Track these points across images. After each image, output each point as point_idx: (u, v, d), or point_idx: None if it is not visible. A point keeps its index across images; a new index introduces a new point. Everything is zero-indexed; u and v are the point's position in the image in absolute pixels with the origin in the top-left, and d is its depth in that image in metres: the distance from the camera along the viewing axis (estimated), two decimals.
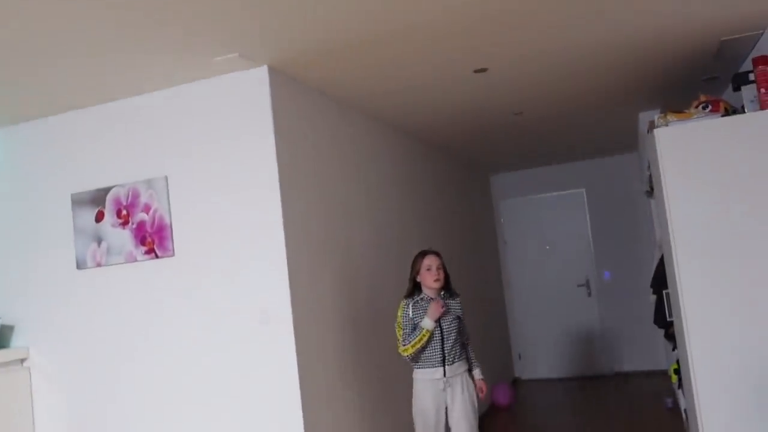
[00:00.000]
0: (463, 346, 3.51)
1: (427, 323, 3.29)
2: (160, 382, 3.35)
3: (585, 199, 7.81)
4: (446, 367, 3.34)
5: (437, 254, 3.47)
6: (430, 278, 3.37)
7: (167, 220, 3.34)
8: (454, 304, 3.45)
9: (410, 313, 3.36)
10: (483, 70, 3.74)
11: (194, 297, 3.30)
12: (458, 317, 3.44)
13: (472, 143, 6.00)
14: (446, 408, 3.35)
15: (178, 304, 3.33)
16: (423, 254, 3.47)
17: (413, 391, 3.39)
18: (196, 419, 3.27)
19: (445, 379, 3.33)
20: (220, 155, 3.28)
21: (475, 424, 3.40)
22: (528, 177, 8.03)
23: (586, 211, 7.80)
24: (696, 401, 3.32)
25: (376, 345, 4.03)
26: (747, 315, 3.23)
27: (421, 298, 3.39)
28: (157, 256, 3.35)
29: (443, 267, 3.45)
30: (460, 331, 3.46)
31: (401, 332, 3.36)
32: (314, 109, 3.65)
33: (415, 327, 3.32)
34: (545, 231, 7.91)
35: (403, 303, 3.42)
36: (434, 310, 3.29)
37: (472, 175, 7.44)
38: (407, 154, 5.20)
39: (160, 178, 3.37)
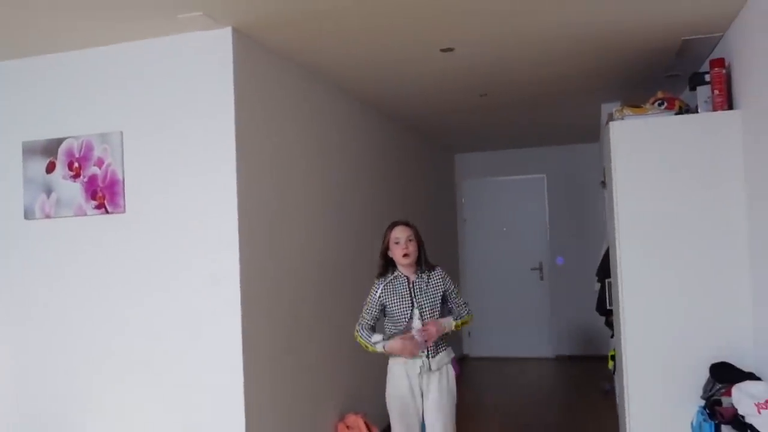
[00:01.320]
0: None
1: (380, 348, 3.09)
2: (105, 337, 3.34)
3: (545, 185, 7.94)
4: (429, 359, 3.09)
5: (408, 225, 3.20)
6: (398, 253, 3.12)
7: (120, 176, 3.30)
8: (434, 281, 3.18)
9: (377, 294, 3.15)
10: (450, 49, 3.76)
11: (143, 255, 3.28)
12: (442, 296, 3.18)
13: (437, 122, 6.03)
14: (422, 394, 3.13)
15: (126, 261, 3.31)
16: (391, 226, 3.21)
17: (388, 375, 3.19)
18: (139, 375, 3.28)
19: (422, 366, 3.09)
20: (178, 114, 3.24)
21: (451, 417, 3.15)
22: (491, 159, 8.11)
23: (545, 197, 7.94)
24: (626, 385, 3.46)
25: (326, 315, 4.08)
26: (680, 309, 3.37)
27: (395, 277, 3.17)
28: (107, 212, 3.32)
29: (417, 239, 3.18)
30: (448, 311, 3.21)
31: (364, 312, 3.19)
32: (278, 76, 3.63)
33: (382, 311, 3.15)
34: (504, 213, 8.04)
35: (375, 283, 3.20)
36: (400, 346, 3.02)
37: (437, 152, 7.49)
38: (372, 127, 5.21)
39: (116, 132, 3.32)
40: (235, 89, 3.15)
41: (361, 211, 4.84)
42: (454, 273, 7.90)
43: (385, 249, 3.20)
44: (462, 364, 7.55)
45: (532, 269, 7.92)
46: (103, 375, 3.34)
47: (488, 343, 7.98)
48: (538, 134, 7.08)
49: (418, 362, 3.09)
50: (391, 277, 3.19)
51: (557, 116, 6.06)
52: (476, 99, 5.12)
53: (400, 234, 3.15)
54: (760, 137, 2.96)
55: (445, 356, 3.16)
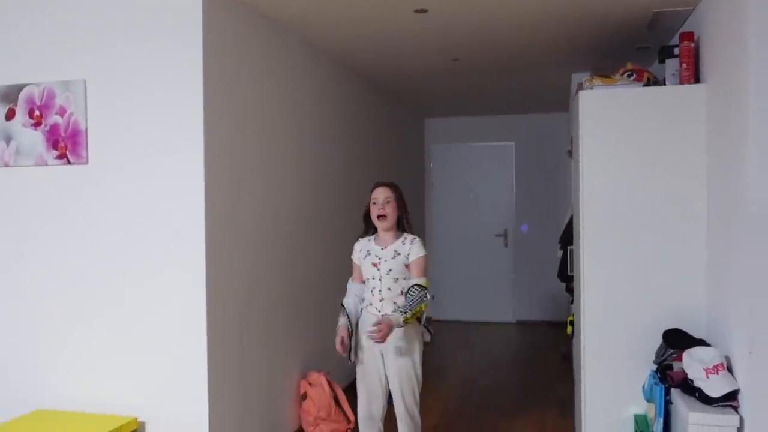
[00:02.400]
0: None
1: (342, 322, 3.09)
2: (66, 289, 3.30)
3: (513, 153, 8.00)
4: (381, 316, 3.01)
5: (388, 186, 3.14)
6: (374, 213, 3.09)
7: (82, 126, 3.22)
8: (405, 250, 3.10)
9: (354, 253, 3.19)
10: (423, 10, 3.72)
11: (106, 208, 3.23)
12: (406, 264, 3.08)
13: (409, 84, 6.00)
14: (383, 357, 3.11)
15: (89, 214, 3.26)
16: (373, 186, 3.15)
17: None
18: (101, 330, 3.25)
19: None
20: (144, 65, 3.16)
21: (410, 381, 3.09)
22: (461, 124, 8.12)
23: (513, 165, 8.00)
24: (582, 349, 3.56)
25: (291, 275, 4.08)
26: (638, 277, 3.46)
27: (371, 240, 3.16)
28: (69, 162, 3.25)
29: (397, 202, 3.11)
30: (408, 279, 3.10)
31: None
32: (247, 30, 3.55)
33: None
34: (471, 179, 8.09)
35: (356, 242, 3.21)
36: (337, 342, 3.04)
37: (408, 116, 7.46)
38: (343, 87, 5.16)
39: (78, 81, 3.23)
40: (203, 41, 3.08)
41: (330, 171, 4.82)
42: (420, 237, 7.94)
43: (367, 210, 3.17)
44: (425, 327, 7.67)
45: (496, 236, 8.02)
46: (66, 327, 3.30)
47: (451, 307, 8.10)
48: (509, 102, 7.09)
49: (373, 322, 3.00)
50: (369, 239, 3.18)
51: (528, 84, 6.08)
52: (449, 63, 5.10)
53: (378, 195, 3.12)
54: (722, 112, 3.02)
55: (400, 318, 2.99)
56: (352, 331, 3.15)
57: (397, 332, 3.03)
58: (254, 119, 3.62)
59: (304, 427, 4.18)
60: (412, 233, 3.20)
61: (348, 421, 4.13)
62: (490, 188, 8.05)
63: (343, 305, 3.22)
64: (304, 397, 4.18)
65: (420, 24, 3.98)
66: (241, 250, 3.46)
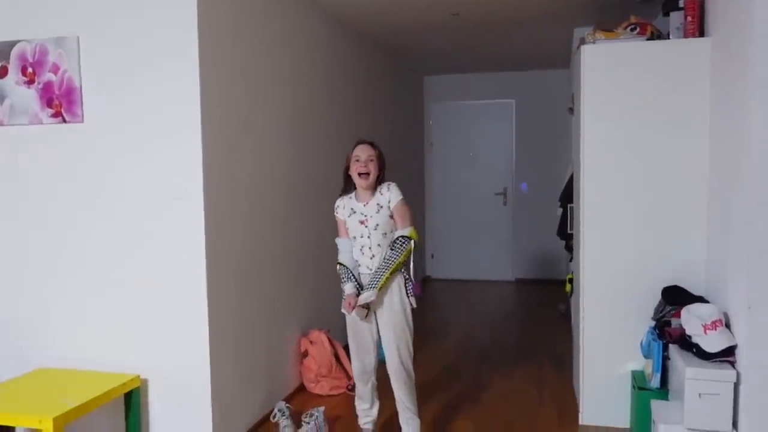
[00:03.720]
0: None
1: (349, 289, 3.09)
2: (63, 250, 3.29)
3: (513, 110, 7.92)
4: (372, 274, 3.08)
5: (370, 144, 3.15)
6: (356, 171, 3.09)
7: (77, 83, 3.17)
8: (385, 200, 3.10)
9: (336, 212, 3.19)
10: None
11: (103, 167, 3.20)
12: (391, 216, 3.10)
13: (408, 41, 5.89)
14: (375, 313, 3.15)
15: (85, 173, 3.23)
16: (355, 144, 3.17)
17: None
18: (101, 290, 3.26)
19: (369, 284, 3.05)
20: (138, 20, 3.09)
21: (404, 334, 3.11)
22: (461, 82, 8.02)
23: (513, 123, 7.93)
24: (581, 307, 3.58)
25: (291, 233, 4.08)
26: (638, 234, 3.45)
27: (353, 197, 3.16)
28: (65, 121, 3.20)
29: (379, 161, 3.12)
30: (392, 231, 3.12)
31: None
32: None
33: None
34: (471, 137, 8.03)
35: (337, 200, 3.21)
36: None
37: (407, 74, 7.37)
38: (341, 45, 5.07)
39: (72, 37, 3.16)
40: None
41: (328, 130, 4.77)
42: (419, 196, 7.95)
43: (347, 167, 3.16)
44: (424, 285, 7.72)
45: (496, 194, 8.01)
46: (66, 286, 3.31)
47: (451, 265, 8.14)
48: (509, 59, 6.99)
49: (365, 280, 3.09)
50: (349, 197, 3.17)
51: (529, 40, 5.98)
52: (448, 18, 5.00)
53: (361, 152, 3.10)
54: (726, 67, 2.97)
55: (393, 274, 3.06)
56: (359, 293, 3.14)
57: (388, 287, 3.07)
58: (250, 76, 3.56)
59: (306, 384, 4.23)
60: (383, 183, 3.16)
61: (348, 377, 4.18)
62: (489, 147, 7.99)
63: (343, 265, 3.20)
64: (305, 354, 4.22)
65: None
66: (240, 209, 3.45)
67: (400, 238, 3.09)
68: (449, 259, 8.14)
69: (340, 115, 5.04)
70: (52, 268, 3.32)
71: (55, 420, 2.63)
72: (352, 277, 3.16)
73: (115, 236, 3.22)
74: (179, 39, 3.04)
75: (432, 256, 8.24)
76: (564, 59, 6.77)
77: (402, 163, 7.02)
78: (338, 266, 3.23)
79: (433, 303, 6.92)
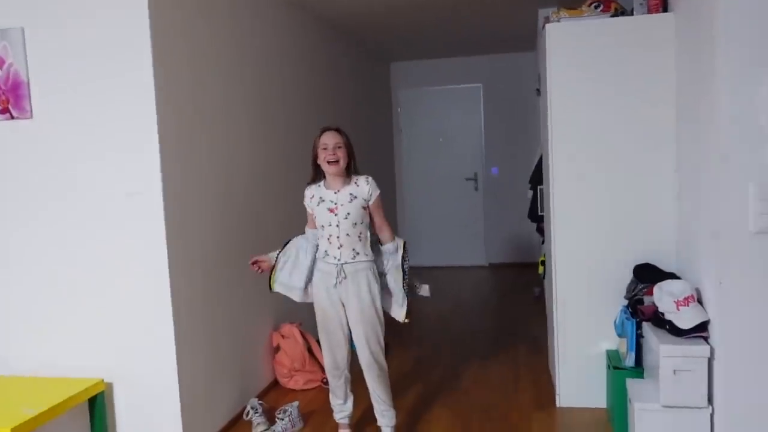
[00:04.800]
0: (374, 240, 3.12)
1: (271, 255, 3.14)
2: (17, 252, 3.15)
3: (481, 95, 7.88)
4: (341, 264, 3.02)
5: (337, 131, 3.04)
6: (325, 159, 2.98)
7: (23, 77, 3.02)
8: (361, 191, 3.03)
9: (305, 201, 3.11)
10: None
11: (55, 164, 3.07)
12: (364, 207, 3.04)
13: (372, 26, 5.80)
14: (344, 306, 3.07)
15: (37, 171, 3.09)
16: (320, 132, 3.06)
17: (312, 281, 3.14)
18: (56, 292, 3.14)
19: (336, 276, 3.02)
20: (88, 10, 2.95)
21: (373, 327, 3.05)
22: (427, 68, 7.95)
23: (481, 107, 7.89)
24: (554, 288, 3.55)
25: (257, 224, 3.98)
26: (608, 213, 3.43)
27: (323, 186, 3.06)
28: (12, 117, 3.06)
29: (347, 147, 3.03)
30: (369, 222, 3.09)
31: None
32: None
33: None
34: (440, 123, 7.98)
35: (305, 190, 3.12)
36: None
37: (372, 61, 7.27)
38: (305, 31, 4.95)
39: (15, 29, 3.01)
40: None
41: (293, 120, 4.67)
42: (389, 184, 7.88)
43: (315, 156, 3.06)
44: None
45: (467, 179, 7.97)
46: (19, 290, 3.18)
47: (423, 252, 8.08)
48: (475, 42, 6.93)
49: (333, 272, 3.02)
50: (318, 186, 3.08)
51: (494, 23, 5.92)
52: (409, 1, 4.91)
53: (328, 140, 3.01)
54: (690, 41, 2.94)
55: (360, 264, 3.04)
56: (278, 265, 3.17)
57: (357, 279, 3.02)
58: (207, 67, 3.44)
59: (279, 379, 4.15)
60: (357, 174, 3.11)
61: (323, 370, 4.10)
62: (459, 132, 7.95)
63: (290, 240, 3.19)
64: (278, 349, 4.14)
65: None
66: (202, 202, 3.34)
67: (406, 262, 3.15)
68: (422, 247, 8.09)
69: (305, 104, 4.93)
70: (3, 269, 3.18)
71: (14, 431, 2.52)
72: (285, 252, 3.16)
73: (71, 235, 3.09)
74: (131, 29, 2.91)
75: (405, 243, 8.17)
76: (530, 42, 6.73)
77: (371, 152, 6.93)
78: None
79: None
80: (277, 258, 3.17)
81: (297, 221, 3.26)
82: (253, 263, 3.15)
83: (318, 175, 3.10)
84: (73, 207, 3.08)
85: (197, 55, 3.33)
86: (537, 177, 4.86)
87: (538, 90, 5.12)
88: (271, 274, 3.18)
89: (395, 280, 3.12)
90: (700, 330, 2.79)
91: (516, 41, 6.88)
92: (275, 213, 4.25)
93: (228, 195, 3.62)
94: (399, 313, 3.13)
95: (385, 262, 3.14)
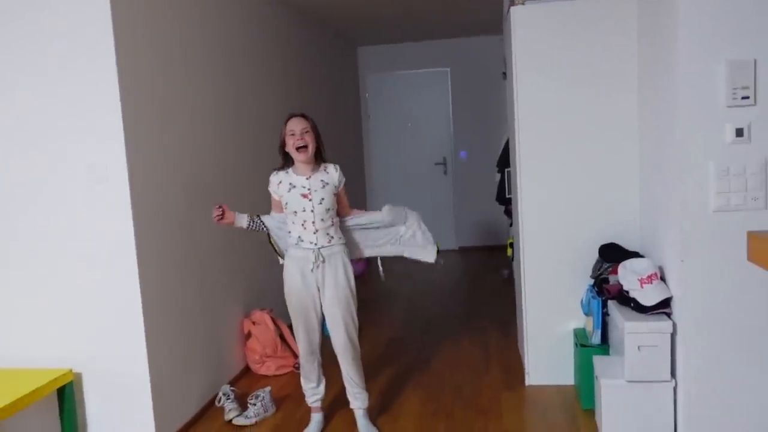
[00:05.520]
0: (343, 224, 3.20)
1: (240, 221, 3.11)
2: None
3: (449, 79, 7.89)
4: (318, 248, 3.02)
5: (304, 116, 3.04)
6: (293, 145, 2.98)
7: None
8: (331, 177, 3.07)
9: (272, 187, 3.08)
10: None
11: (14, 154, 3.00)
12: (335, 193, 3.08)
13: (338, 10, 5.76)
14: (319, 289, 3.07)
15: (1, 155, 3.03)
16: (286, 119, 3.05)
17: (284, 271, 3.12)
18: (22, 282, 3.08)
19: (314, 260, 3.02)
20: None
21: (349, 309, 3.09)
22: (395, 52, 7.94)
23: (449, 91, 7.91)
24: (522, 269, 3.60)
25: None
26: (574, 194, 3.48)
27: (292, 172, 3.04)
28: None
29: (314, 132, 3.04)
30: (340, 208, 3.16)
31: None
32: None
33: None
34: (408, 108, 7.98)
35: (271, 175, 3.10)
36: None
37: (339, 45, 7.22)
38: (269, 16, 4.90)
39: None
40: None
41: (258, 106, 4.62)
42: (358, 170, 7.87)
43: (282, 143, 3.05)
44: (368, 259, 7.68)
45: (436, 164, 8.00)
46: None
47: None
48: (442, 26, 6.93)
49: (310, 256, 3.03)
50: (286, 172, 3.07)
51: (460, 5, 5.93)
52: None
53: (295, 126, 3.00)
54: (652, 24, 2.99)
55: (335, 248, 3.07)
56: (254, 227, 3.16)
57: (333, 262, 3.05)
58: (174, 54, 3.39)
59: (251, 365, 4.15)
60: (327, 162, 3.15)
61: (295, 356, 4.12)
62: (427, 116, 7.96)
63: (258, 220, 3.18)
64: (249, 336, 4.13)
65: None
66: (170, 189, 3.30)
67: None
68: None
69: (272, 90, 4.89)
70: None
71: None
72: (258, 220, 3.15)
73: (36, 225, 3.04)
74: (92, 15, 2.85)
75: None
76: (496, 25, 6.76)
77: (340, 137, 6.91)
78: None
79: (378, 276, 6.88)
80: (268, 236, 3.20)
81: (266, 209, 3.25)
82: (219, 210, 3.04)
83: (287, 162, 3.09)
84: (38, 197, 3.02)
85: (162, 42, 3.27)
86: (504, 160, 4.91)
87: (504, 74, 5.16)
88: (275, 248, 3.21)
89: (413, 234, 3.34)
90: (664, 306, 2.86)
91: (483, 25, 6.90)
92: (244, 201, 4.22)
93: (197, 182, 3.59)
94: (430, 253, 3.39)
95: (380, 223, 3.29)
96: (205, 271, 3.67)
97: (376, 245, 3.31)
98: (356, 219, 3.26)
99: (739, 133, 2.56)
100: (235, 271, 4.09)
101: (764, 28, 2.53)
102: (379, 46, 7.96)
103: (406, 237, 3.29)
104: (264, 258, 4.37)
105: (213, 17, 3.91)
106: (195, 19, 3.66)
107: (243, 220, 3.12)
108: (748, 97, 2.55)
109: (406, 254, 3.33)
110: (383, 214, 3.26)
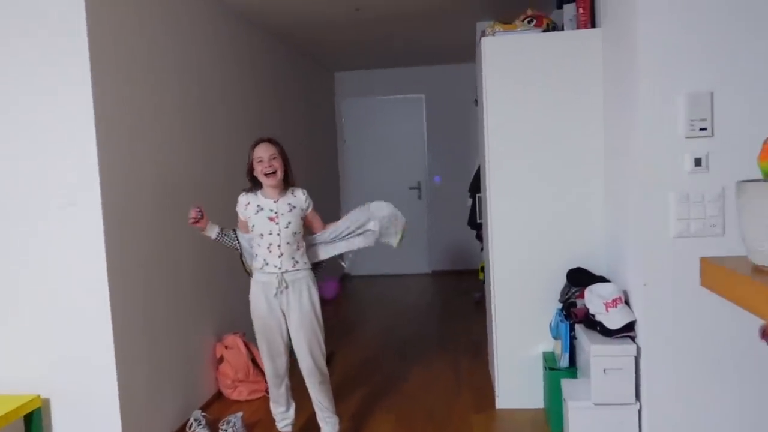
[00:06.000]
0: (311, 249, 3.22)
1: (211, 231, 3.14)
2: None
3: (424, 105, 8.01)
4: (282, 273, 3.05)
5: (271, 142, 3.09)
6: (262, 171, 3.03)
7: None
8: (299, 202, 3.12)
9: (239, 208, 3.12)
10: None
11: None
12: (302, 217, 3.12)
13: (314, 37, 5.85)
14: (284, 313, 3.10)
15: None
16: (254, 144, 3.09)
17: (250, 293, 3.17)
18: None
19: (278, 285, 3.05)
20: (20, 17, 2.90)
21: (315, 334, 3.10)
22: (371, 78, 8.05)
23: (424, 117, 8.02)
24: (493, 293, 3.66)
25: (197, 235, 3.95)
26: (543, 220, 3.56)
27: (260, 195, 3.09)
28: None
29: (282, 157, 3.08)
30: (314, 229, 3.21)
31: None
32: None
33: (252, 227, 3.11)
34: (384, 133, 8.07)
35: (239, 196, 3.14)
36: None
37: (316, 70, 7.31)
38: (247, 41, 4.95)
39: None
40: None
41: (236, 129, 4.66)
42: (334, 193, 7.92)
43: (250, 168, 3.09)
44: (342, 283, 7.70)
45: (410, 188, 8.08)
46: None
47: (368, 261, 8.13)
48: (418, 53, 7.06)
49: (274, 281, 3.05)
50: (255, 194, 3.11)
51: (435, 34, 6.06)
52: (351, 13, 4.99)
53: (263, 152, 3.04)
54: (615, 55, 3.10)
55: (300, 273, 3.10)
56: (235, 247, 3.19)
57: (297, 287, 3.07)
58: (148, 76, 3.42)
59: (223, 390, 4.13)
60: (294, 185, 3.20)
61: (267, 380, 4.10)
62: (402, 141, 8.06)
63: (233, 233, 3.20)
64: (221, 360, 4.11)
65: None
66: (142, 211, 3.31)
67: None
68: (367, 256, 8.10)
69: (248, 113, 4.93)
70: None
71: None
72: (234, 237, 3.17)
73: (4, 246, 3.02)
74: (67, 28, 2.88)
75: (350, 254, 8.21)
76: (470, 53, 6.89)
77: (316, 161, 6.96)
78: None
79: (352, 300, 6.91)
80: (240, 252, 3.22)
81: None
82: (198, 213, 3.06)
83: (255, 186, 3.13)
84: (7, 217, 3.01)
85: (139, 64, 3.30)
86: (476, 185, 4.99)
87: (476, 101, 5.27)
88: (244, 266, 3.24)
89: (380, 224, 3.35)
90: (628, 330, 2.93)
91: (457, 52, 7.04)
92: (220, 222, 4.22)
93: (168, 205, 3.60)
94: (394, 239, 3.45)
95: (347, 227, 3.27)
96: (178, 295, 3.67)
97: (345, 241, 3.30)
98: (334, 230, 3.25)
99: (698, 162, 2.66)
100: (207, 295, 4.09)
101: (720, 63, 2.64)
102: (356, 71, 8.07)
103: (375, 228, 3.31)
104: (237, 281, 4.37)
105: (190, 42, 3.95)
106: (171, 43, 3.70)
107: (213, 231, 3.16)
108: (705, 129, 2.65)
109: (373, 243, 3.37)
110: (355, 215, 3.28)
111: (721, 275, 1.55)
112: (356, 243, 3.30)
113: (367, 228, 3.29)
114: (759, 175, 1.52)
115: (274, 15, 4.92)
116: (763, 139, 1.53)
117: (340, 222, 3.27)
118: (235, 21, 4.77)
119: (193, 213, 3.05)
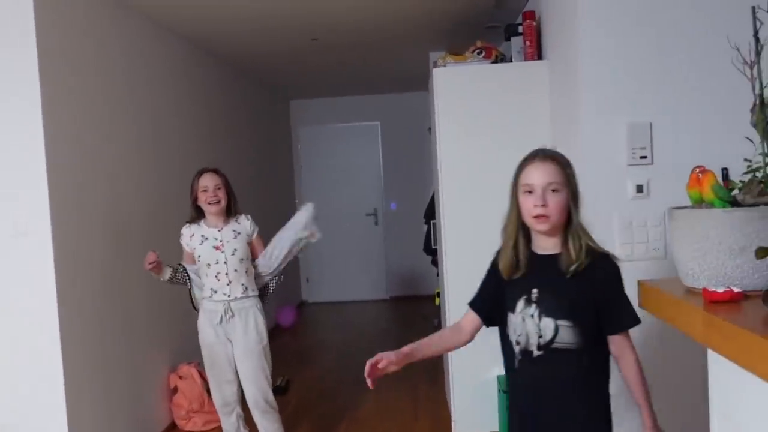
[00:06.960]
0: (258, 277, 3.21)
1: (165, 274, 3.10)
2: None
3: (379, 132, 8.12)
4: (228, 301, 3.06)
5: (215, 172, 3.12)
6: (206, 201, 3.05)
7: None
8: (243, 228, 3.15)
9: (184, 240, 3.15)
10: None
11: None
12: (248, 243, 3.15)
13: (270, 65, 5.90)
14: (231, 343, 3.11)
15: None
16: (199, 174, 3.12)
17: (198, 321, 3.18)
18: None
19: (223, 314, 3.06)
20: None
21: (260, 363, 3.10)
22: (327, 105, 8.13)
23: (379, 144, 8.12)
24: (448, 318, 3.71)
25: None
26: (495, 246, 3.63)
27: (204, 225, 3.11)
28: None
29: (226, 187, 3.13)
30: (251, 259, 3.19)
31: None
32: (84, 9, 3.32)
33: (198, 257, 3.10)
34: (340, 160, 8.13)
35: (183, 228, 3.16)
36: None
37: (272, 98, 7.35)
38: (201, 69, 4.97)
39: None
40: (35, 16, 2.85)
41: (188, 157, 4.65)
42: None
43: (195, 198, 3.10)
44: (300, 310, 7.66)
45: (367, 215, 8.14)
46: None
47: (326, 288, 8.14)
48: (372, 82, 7.17)
49: (220, 309, 3.06)
50: (198, 225, 3.12)
51: (389, 63, 6.18)
52: (308, 43, 5.06)
53: (207, 182, 3.07)
54: (560, 86, 3.23)
55: (248, 301, 3.11)
56: (186, 283, 3.18)
57: (244, 315, 3.08)
58: (100, 104, 3.41)
59: (177, 421, 4.06)
60: (238, 212, 3.21)
61: None
62: (358, 168, 8.13)
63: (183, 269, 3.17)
64: (175, 390, 4.05)
65: (273, 3, 3.91)
66: (93, 241, 3.27)
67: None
68: (324, 282, 8.15)
69: (203, 141, 4.92)
70: None
71: None
72: (184, 272, 3.15)
73: None
74: (16, 62, 2.86)
75: (307, 280, 8.20)
76: (424, 82, 7.03)
77: (271, 189, 6.96)
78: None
79: (309, 326, 6.88)
80: (190, 287, 3.21)
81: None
82: (156, 260, 3.03)
83: (198, 215, 3.14)
84: None
85: (87, 94, 3.29)
86: (431, 212, 5.07)
87: (430, 128, 5.38)
88: (192, 300, 3.25)
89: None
90: None
91: (411, 81, 7.18)
92: (170, 252, 4.19)
93: (121, 233, 3.56)
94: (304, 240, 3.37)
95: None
96: (131, 325, 3.61)
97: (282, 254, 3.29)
98: (274, 255, 3.25)
99: (639, 189, 2.78)
100: (160, 325, 4.03)
101: (658, 94, 2.78)
102: (312, 99, 8.14)
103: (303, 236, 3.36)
104: (191, 310, 4.33)
105: (138, 68, 3.95)
106: (121, 71, 3.70)
107: (167, 273, 3.13)
108: (645, 157, 2.78)
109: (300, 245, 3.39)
110: (282, 232, 3.29)
111: (655, 296, 1.64)
112: (292, 253, 3.33)
113: (300, 237, 3.35)
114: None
115: (230, 45, 4.96)
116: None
117: (269, 246, 3.26)
118: (191, 50, 4.79)
119: (151, 257, 3.01)
